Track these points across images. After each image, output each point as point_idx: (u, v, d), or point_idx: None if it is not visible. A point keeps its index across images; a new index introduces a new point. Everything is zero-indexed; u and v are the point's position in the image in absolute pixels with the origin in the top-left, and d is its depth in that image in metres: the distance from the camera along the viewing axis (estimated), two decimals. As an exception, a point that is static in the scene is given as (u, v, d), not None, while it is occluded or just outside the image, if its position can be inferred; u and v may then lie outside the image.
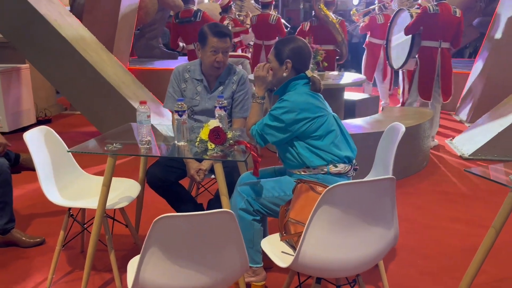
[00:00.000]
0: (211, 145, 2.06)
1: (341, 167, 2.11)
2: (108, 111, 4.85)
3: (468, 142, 4.74)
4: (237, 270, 1.49)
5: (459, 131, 5.42)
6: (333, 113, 2.22)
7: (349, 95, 5.45)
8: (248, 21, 6.96)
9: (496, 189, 2.44)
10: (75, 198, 2.31)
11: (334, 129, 2.13)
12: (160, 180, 2.50)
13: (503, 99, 5.02)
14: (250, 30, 6.87)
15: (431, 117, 4.31)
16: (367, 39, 6.40)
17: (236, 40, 6.85)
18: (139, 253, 1.38)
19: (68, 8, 6.86)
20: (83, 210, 2.51)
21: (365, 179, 1.67)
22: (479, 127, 4.88)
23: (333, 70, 5.60)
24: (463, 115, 6.23)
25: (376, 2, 6.43)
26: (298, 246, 1.54)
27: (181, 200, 2.63)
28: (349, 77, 4.74)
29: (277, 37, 6.60)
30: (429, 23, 4.51)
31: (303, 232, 1.53)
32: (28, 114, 5.71)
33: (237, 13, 7.25)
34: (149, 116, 2.07)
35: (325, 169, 2.08)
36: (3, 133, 5.27)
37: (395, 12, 5.40)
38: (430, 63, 4.61)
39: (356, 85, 4.58)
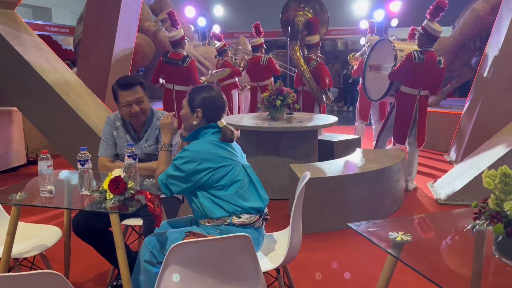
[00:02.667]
0: (109, 195, 2.05)
1: (245, 218, 2.05)
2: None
3: (447, 185, 4.56)
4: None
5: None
6: (244, 163, 2.19)
7: (328, 136, 5.40)
8: (242, 64, 7.11)
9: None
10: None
11: (240, 179, 2.09)
12: (84, 227, 2.49)
13: (490, 140, 4.85)
14: (244, 72, 7.00)
15: (402, 160, 4.19)
16: (360, 82, 6.38)
17: (227, 82, 6.98)
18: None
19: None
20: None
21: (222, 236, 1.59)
22: (459, 170, 4.71)
23: (311, 111, 5.59)
24: (454, 156, 6.04)
25: (366, 44, 6.46)
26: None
27: (110, 246, 2.61)
28: (321, 119, 4.70)
29: (271, 77, 6.70)
30: (412, 72, 4.43)
31: (154, 291, 1.47)
32: (18, 155, 5.90)
33: (232, 56, 7.40)
34: (50, 166, 2.09)
35: (228, 220, 2.04)
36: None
37: (376, 41, 5.39)
38: (407, 110, 4.55)
39: (325, 127, 4.52)
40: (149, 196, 2.05)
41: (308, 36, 5.68)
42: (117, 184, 2.05)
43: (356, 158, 4.26)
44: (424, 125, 4.61)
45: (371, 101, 5.77)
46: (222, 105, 2.18)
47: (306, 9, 5.71)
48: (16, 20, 5.41)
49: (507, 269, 1.34)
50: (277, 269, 2.16)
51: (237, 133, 5.23)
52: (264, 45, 6.77)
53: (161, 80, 5.70)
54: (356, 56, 6.51)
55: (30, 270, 2.48)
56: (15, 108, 5.83)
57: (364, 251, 3.25)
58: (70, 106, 5.02)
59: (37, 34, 11.55)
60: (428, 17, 4.39)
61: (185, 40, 5.63)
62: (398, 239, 1.60)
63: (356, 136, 5.53)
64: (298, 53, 5.50)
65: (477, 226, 1.40)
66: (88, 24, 6.53)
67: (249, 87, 7.16)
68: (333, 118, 4.70)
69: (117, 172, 2.10)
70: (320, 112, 5.76)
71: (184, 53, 5.62)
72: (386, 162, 4.02)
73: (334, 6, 14.34)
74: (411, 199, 4.45)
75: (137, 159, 2.24)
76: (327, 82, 5.64)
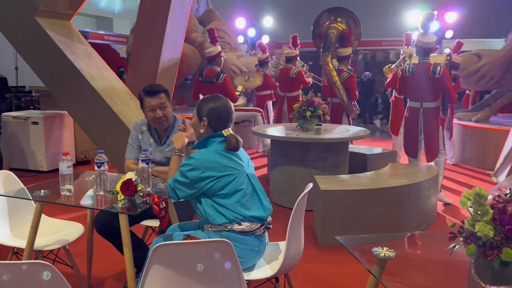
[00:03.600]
0: (120, 196, 2.19)
1: (245, 225, 2.12)
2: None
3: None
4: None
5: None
6: (249, 172, 2.24)
7: (362, 149, 5.33)
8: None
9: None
10: (22, 237, 2.54)
11: (243, 188, 2.15)
12: (106, 226, 2.66)
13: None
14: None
15: (433, 176, 4.06)
16: (393, 94, 6.26)
17: (263, 93, 7.09)
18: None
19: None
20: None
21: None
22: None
23: (339, 123, 5.57)
24: (501, 177, 5.72)
25: (401, 56, 6.33)
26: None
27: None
28: (352, 131, 4.65)
29: (300, 90, 6.72)
30: (406, 85, 4.55)
31: (139, 288, 1.57)
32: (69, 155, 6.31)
33: (273, 69, 7.50)
34: (69, 167, 2.27)
35: (229, 227, 2.11)
36: (42, 172, 5.91)
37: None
38: (413, 123, 4.55)
39: (353, 139, 4.48)
40: (155, 200, 2.17)
41: (340, 48, 5.68)
42: (128, 186, 2.18)
43: (385, 172, 4.18)
44: (433, 138, 4.52)
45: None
46: (227, 115, 2.25)
47: (339, 20, 5.71)
48: (70, 30, 5.84)
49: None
50: (276, 278, 2.20)
51: (268, 142, 5.19)
52: (298, 57, 6.80)
53: (200, 96, 5.91)
54: (392, 68, 6.38)
55: (53, 263, 2.68)
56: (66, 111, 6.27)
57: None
58: (114, 111, 5.32)
59: (97, 42, 12.25)
60: (419, 30, 4.44)
61: (221, 57, 5.82)
62: (382, 255, 1.59)
63: (391, 150, 5.41)
64: (330, 64, 5.50)
65: (457, 247, 1.37)
66: (137, 34, 6.88)
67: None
68: (364, 131, 4.64)
69: (130, 175, 2.24)
70: (349, 124, 5.72)
71: (218, 70, 5.81)
72: (416, 178, 3.91)
73: (385, 16, 14.10)
74: (444, 218, 4.29)
75: (150, 163, 2.37)
76: (357, 95, 5.63)
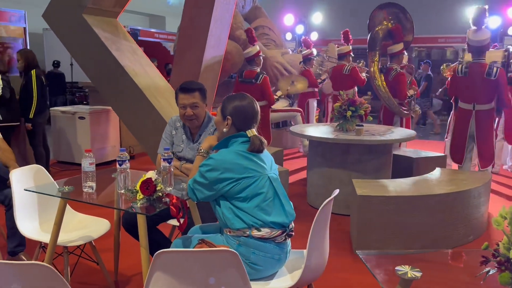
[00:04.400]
0: (139, 195, 2.14)
1: (265, 232, 2.00)
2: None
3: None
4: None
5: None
6: (271, 175, 2.12)
7: (409, 152, 5.04)
8: (324, 76, 6.99)
9: None
10: (50, 232, 2.57)
11: (263, 192, 2.04)
12: (132, 225, 2.63)
13: None
14: (328, 80, 6.88)
15: (484, 183, 3.73)
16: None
17: (306, 91, 6.92)
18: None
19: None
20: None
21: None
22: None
23: (390, 124, 5.27)
24: None
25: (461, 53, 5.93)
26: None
27: (154, 245, 2.73)
28: (397, 133, 4.39)
29: (355, 87, 6.48)
30: (459, 86, 4.27)
31: (142, 295, 1.50)
32: (113, 150, 6.47)
33: (318, 67, 7.31)
34: (91, 164, 2.25)
35: (247, 232, 2.00)
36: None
37: None
38: (462, 126, 4.25)
39: (395, 142, 4.23)
40: (174, 201, 2.11)
41: (392, 46, 5.39)
42: (147, 186, 2.13)
43: (430, 177, 3.90)
44: (487, 143, 4.21)
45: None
46: (252, 114, 2.14)
47: (390, 17, 5.42)
48: (117, 27, 5.96)
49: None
50: (296, 289, 2.07)
51: (306, 142, 4.96)
52: (351, 53, 6.55)
53: None
54: (450, 67, 5.98)
55: (78, 259, 2.70)
56: (112, 107, 6.42)
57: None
58: (156, 108, 5.37)
59: (148, 40, 12.50)
60: (472, 26, 4.05)
61: (260, 57, 5.72)
62: (407, 275, 1.42)
63: (442, 154, 5.07)
64: (375, 66, 5.25)
65: (491, 272, 1.18)
66: (182, 32, 6.92)
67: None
68: (410, 133, 4.37)
69: (150, 174, 2.19)
70: (402, 125, 5.40)
71: (258, 70, 5.71)
72: (464, 185, 3.61)
73: (442, 13, 13.38)
74: (495, 229, 3.93)
75: (172, 163, 2.31)
76: (407, 93, 5.29)
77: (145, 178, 2.16)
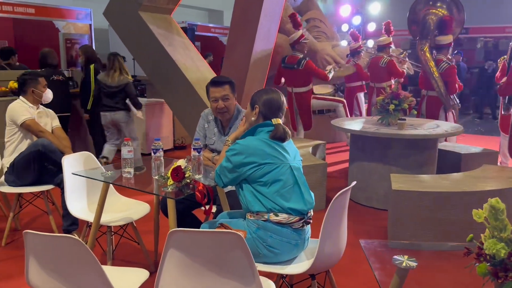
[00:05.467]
0: (170, 181, 2.32)
1: (282, 217, 2.11)
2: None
3: None
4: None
5: None
6: (293, 164, 2.22)
7: (457, 147, 4.87)
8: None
9: None
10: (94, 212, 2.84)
11: (283, 179, 2.14)
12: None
13: None
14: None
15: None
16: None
17: (353, 84, 6.85)
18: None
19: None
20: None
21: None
22: None
23: (435, 118, 5.10)
24: None
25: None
26: (155, 282, 1.69)
27: (188, 227, 2.91)
28: (442, 127, 4.27)
29: (391, 79, 6.34)
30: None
31: (158, 270, 1.67)
32: (167, 140, 6.83)
33: (366, 59, 7.19)
34: (130, 151, 2.47)
35: (266, 216, 2.12)
36: (142, 154, 6.48)
37: None
38: None
39: (439, 136, 4.10)
40: (200, 187, 2.26)
41: (440, 36, 5.19)
42: (177, 173, 2.31)
43: (474, 174, 3.77)
44: None
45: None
46: (278, 105, 2.27)
47: (438, 4, 5.21)
48: (170, 23, 6.25)
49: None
50: (312, 275, 2.16)
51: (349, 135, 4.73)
52: (392, 45, 6.39)
53: (282, 80, 5.94)
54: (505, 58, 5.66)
55: (120, 238, 2.96)
56: (166, 99, 6.75)
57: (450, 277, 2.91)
58: (204, 102, 5.60)
59: (205, 35, 12.78)
60: None
61: (303, 41, 5.72)
62: (403, 264, 1.47)
63: (493, 150, 4.84)
64: (427, 54, 5.08)
65: (477, 264, 1.21)
66: (233, 26, 7.10)
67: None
68: (456, 127, 4.23)
69: (181, 162, 2.36)
70: (446, 119, 5.22)
71: (301, 56, 5.73)
72: (509, 183, 3.47)
73: (510, 1, 12.50)
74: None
75: (201, 152, 2.47)
76: (457, 88, 5.10)
77: (175, 166, 2.33)
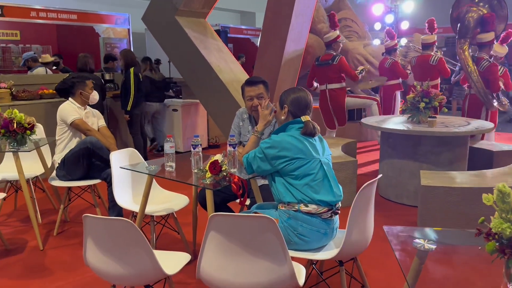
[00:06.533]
0: (208, 174, 2.52)
1: (312, 208, 2.27)
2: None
3: None
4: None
5: None
6: (323, 159, 2.37)
7: (490, 145, 4.87)
8: (409, 66, 6.90)
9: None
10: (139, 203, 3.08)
11: (314, 173, 2.30)
12: (205, 200, 3.05)
13: None
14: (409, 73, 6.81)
15: None
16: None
17: (392, 82, 6.88)
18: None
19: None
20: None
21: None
22: None
23: (477, 117, 5.10)
24: None
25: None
26: (198, 262, 1.89)
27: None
28: (473, 125, 4.30)
29: (439, 78, 6.34)
30: None
31: (200, 250, 1.87)
32: (202, 139, 7.05)
33: (400, 57, 7.22)
34: (172, 147, 2.69)
35: (296, 207, 2.28)
36: (179, 152, 6.76)
37: None
38: None
39: (468, 134, 4.13)
40: (235, 180, 2.45)
41: (481, 34, 5.18)
42: (214, 166, 2.50)
43: (504, 171, 3.80)
44: None
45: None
46: (305, 103, 2.43)
47: (481, 4, 5.20)
48: (205, 27, 6.50)
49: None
50: (340, 261, 2.30)
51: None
52: (436, 43, 6.39)
53: (315, 84, 6.06)
54: None
55: (162, 228, 3.19)
56: (201, 100, 7.01)
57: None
58: (237, 102, 5.81)
59: (237, 37, 13.01)
60: None
61: (339, 42, 5.84)
62: (422, 247, 1.60)
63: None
64: (466, 53, 5.08)
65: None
66: (265, 27, 7.28)
67: None
68: (487, 125, 4.25)
69: (217, 156, 2.56)
70: (487, 119, 5.20)
71: (335, 53, 5.86)
72: (541, 180, 3.49)
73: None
74: None
75: (236, 148, 2.66)
76: (501, 86, 5.06)
77: (213, 160, 2.53)
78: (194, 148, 2.64)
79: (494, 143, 5.09)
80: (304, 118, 2.40)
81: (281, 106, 2.49)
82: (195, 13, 6.34)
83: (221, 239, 1.79)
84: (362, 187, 2.14)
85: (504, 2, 5.36)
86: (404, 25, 12.52)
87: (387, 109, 6.79)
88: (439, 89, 6.33)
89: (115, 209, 3.57)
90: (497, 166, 4.49)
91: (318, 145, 2.41)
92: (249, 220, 1.76)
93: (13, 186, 4.19)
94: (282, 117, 2.48)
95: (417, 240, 1.63)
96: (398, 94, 7.00)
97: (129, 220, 1.81)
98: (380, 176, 2.27)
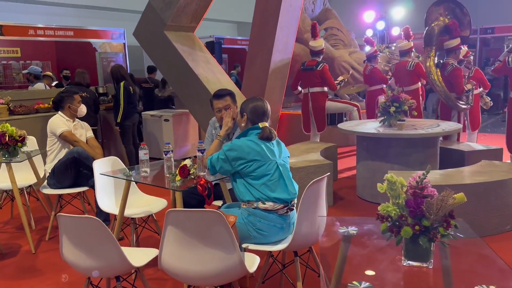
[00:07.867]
0: (177, 177, 2.77)
1: (268, 205, 2.51)
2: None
3: None
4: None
5: None
6: (279, 162, 2.62)
7: (462, 146, 5.09)
8: (390, 73, 7.15)
9: None
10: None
11: (270, 173, 2.55)
12: (183, 203, 3.30)
13: None
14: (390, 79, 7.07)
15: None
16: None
17: (374, 88, 7.13)
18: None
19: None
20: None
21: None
22: None
23: (448, 119, 5.36)
24: None
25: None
26: (159, 253, 2.13)
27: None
28: (441, 127, 4.53)
29: (419, 83, 6.58)
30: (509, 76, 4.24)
31: (160, 243, 2.11)
32: (193, 148, 7.34)
33: (383, 63, 7.46)
34: (146, 154, 2.95)
35: (255, 204, 2.53)
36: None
37: None
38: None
39: (433, 135, 4.36)
40: (201, 182, 2.70)
41: (448, 41, 5.46)
42: (183, 170, 2.76)
43: (469, 169, 4.02)
44: None
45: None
46: (262, 111, 2.70)
47: (446, 13, 5.49)
48: (193, 40, 6.80)
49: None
50: (295, 252, 2.54)
51: None
52: (413, 49, 6.65)
53: (299, 88, 6.33)
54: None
55: (142, 229, 3.44)
56: (191, 110, 7.28)
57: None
58: (224, 109, 6.09)
59: (231, 47, 13.27)
60: None
61: (323, 52, 6.15)
62: (346, 232, 1.84)
63: (497, 147, 5.02)
64: (431, 62, 5.36)
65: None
66: (252, 39, 7.57)
67: None
68: (454, 126, 4.48)
69: (187, 161, 2.82)
70: (460, 120, 5.44)
71: (319, 59, 6.17)
72: (500, 176, 3.71)
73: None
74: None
75: (204, 153, 2.91)
76: (470, 87, 5.33)
77: (182, 164, 2.78)
78: (165, 154, 2.90)
79: (469, 143, 5.31)
80: (262, 124, 2.66)
81: (241, 114, 2.75)
82: (184, 27, 6.63)
83: (178, 232, 2.04)
84: (308, 184, 2.38)
85: (466, 10, 5.66)
86: (395, 31, 12.78)
87: (370, 114, 7.02)
88: (420, 93, 6.56)
89: (101, 215, 3.81)
90: (468, 165, 4.70)
91: (275, 149, 2.65)
92: (200, 214, 2.01)
93: (8, 196, 4.46)
94: (243, 124, 2.74)
95: (342, 227, 1.87)
96: (381, 99, 7.23)
97: (97, 218, 2.07)
98: (328, 174, 2.51)
